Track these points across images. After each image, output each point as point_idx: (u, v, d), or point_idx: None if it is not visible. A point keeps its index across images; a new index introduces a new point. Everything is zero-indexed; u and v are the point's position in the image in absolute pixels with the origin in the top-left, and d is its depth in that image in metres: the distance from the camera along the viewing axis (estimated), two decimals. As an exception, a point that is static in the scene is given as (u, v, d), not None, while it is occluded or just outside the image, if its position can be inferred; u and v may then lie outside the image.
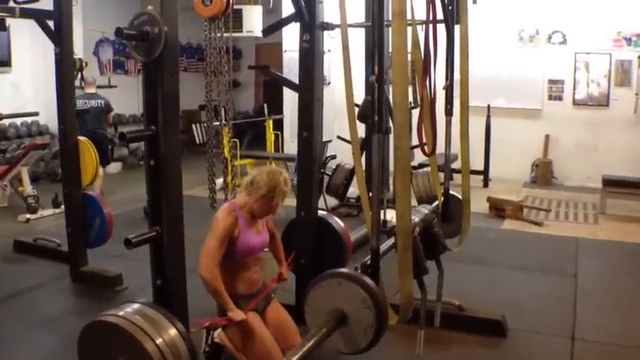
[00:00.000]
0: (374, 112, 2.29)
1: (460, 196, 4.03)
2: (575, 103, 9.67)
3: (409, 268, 2.37)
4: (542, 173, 9.76)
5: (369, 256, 2.54)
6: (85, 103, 7.90)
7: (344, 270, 2.54)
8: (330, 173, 6.95)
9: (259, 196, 3.18)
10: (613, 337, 4.15)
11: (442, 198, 3.87)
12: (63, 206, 6.20)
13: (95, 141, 6.41)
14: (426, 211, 3.36)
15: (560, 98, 9.75)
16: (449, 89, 3.84)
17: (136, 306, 2.68)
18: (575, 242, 6.49)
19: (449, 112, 3.88)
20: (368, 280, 2.31)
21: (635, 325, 4.39)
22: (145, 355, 2.47)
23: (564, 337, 4.14)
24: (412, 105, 6.37)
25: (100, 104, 8.19)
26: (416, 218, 3.15)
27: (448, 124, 3.89)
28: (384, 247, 2.75)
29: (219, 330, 3.57)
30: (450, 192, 4.15)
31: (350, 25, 3.04)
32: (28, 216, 7.15)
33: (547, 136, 9.81)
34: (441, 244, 3.40)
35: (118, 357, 2.55)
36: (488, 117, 9.47)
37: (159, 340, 2.51)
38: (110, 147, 8.77)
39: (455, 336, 4.08)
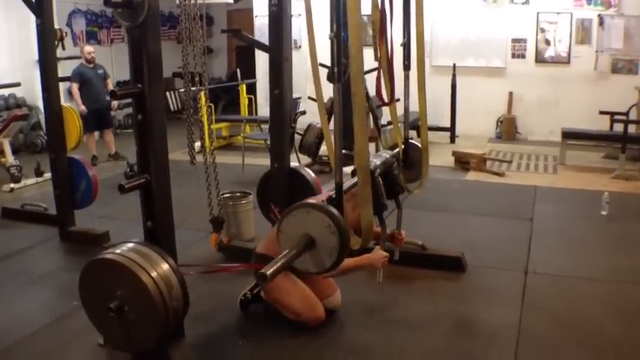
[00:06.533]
0: (333, 65, 2.62)
1: (420, 144, 4.31)
2: (538, 60, 9.93)
3: (369, 198, 2.69)
4: (507, 129, 10.05)
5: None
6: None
7: (312, 201, 2.88)
8: (300, 131, 7.24)
9: None
10: (562, 270, 4.47)
11: (402, 146, 4.20)
12: (46, 175, 6.34)
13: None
14: (387, 156, 3.68)
15: (523, 56, 10.01)
16: (406, 46, 4.11)
17: (130, 245, 2.92)
18: (534, 190, 6.78)
19: (407, 67, 4.15)
20: (333, 209, 2.63)
21: (583, 260, 4.70)
22: (142, 286, 2.72)
23: (518, 270, 4.45)
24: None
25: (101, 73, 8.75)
26: (377, 161, 3.48)
27: (406, 78, 4.15)
28: (348, 184, 3.07)
29: None
30: (411, 141, 4.41)
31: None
32: (12, 185, 7.22)
33: (511, 93, 10.08)
34: (399, 185, 3.71)
35: (117, 290, 2.80)
36: (454, 76, 9.75)
37: (153, 273, 2.77)
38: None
39: (417, 272, 4.38)
